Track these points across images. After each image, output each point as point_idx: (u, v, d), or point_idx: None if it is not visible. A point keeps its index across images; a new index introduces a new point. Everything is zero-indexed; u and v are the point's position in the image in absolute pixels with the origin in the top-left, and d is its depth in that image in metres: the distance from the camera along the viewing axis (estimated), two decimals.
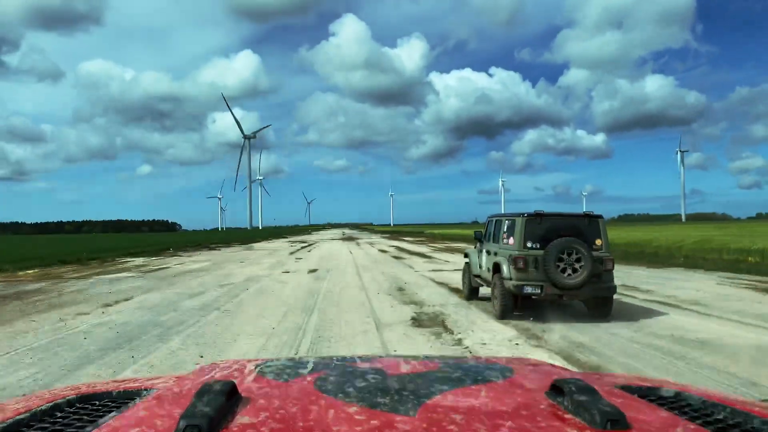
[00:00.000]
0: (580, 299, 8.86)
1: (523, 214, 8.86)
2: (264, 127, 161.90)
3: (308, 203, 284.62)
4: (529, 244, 8.68)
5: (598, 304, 8.70)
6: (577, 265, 8.31)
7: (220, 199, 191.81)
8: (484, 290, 10.51)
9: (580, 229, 8.70)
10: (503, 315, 8.70)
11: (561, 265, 8.32)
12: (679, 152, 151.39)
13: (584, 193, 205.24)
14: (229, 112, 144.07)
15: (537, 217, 8.77)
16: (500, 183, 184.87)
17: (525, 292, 8.51)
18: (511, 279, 8.60)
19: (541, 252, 8.49)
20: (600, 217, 8.96)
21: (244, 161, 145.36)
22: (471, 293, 10.96)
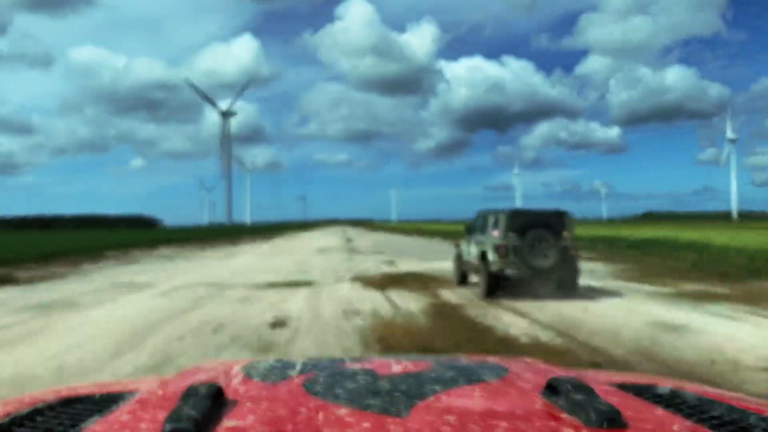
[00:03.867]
0: (550, 279, 11.85)
1: (504, 210, 11.86)
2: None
3: (302, 198, 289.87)
4: (510, 235, 11.65)
5: (565, 283, 11.71)
6: (547, 252, 11.29)
7: (208, 191, 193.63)
8: (473, 279, 13.41)
9: (551, 222, 11.69)
10: (488, 294, 11.57)
11: (535, 252, 11.29)
12: (729, 141, 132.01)
13: (602, 190, 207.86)
14: (239, 91, 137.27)
15: (517, 213, 11.78)
16: (514, 175, 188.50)
17: (506, 273, 11.47)
18: (495, 263, 11.57)
19: (519, 241, 11.46)
20: (567, 213, 11.99)
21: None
22: (461, 279, 13.92)
